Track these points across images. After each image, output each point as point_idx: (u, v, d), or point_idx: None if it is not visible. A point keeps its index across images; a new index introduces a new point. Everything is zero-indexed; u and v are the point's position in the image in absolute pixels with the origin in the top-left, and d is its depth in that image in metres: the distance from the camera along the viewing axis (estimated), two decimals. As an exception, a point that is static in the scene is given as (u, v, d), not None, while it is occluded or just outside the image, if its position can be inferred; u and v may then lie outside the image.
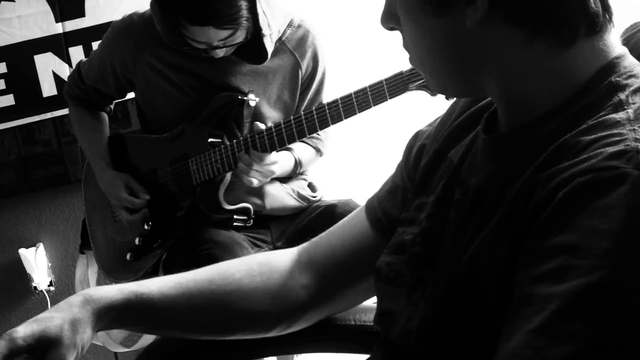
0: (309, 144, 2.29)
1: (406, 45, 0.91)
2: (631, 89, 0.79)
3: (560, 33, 0.80)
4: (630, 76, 0.81)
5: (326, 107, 1.98)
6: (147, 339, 2.56)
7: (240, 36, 1.99)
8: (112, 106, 2.44)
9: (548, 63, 0.82)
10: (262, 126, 2.04)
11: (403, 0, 0.87)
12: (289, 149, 2.21)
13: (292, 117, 2.02)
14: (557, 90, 0.82)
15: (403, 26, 0.89)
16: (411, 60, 0.93)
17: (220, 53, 2.03)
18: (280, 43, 2.17)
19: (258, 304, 1.16)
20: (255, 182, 2.08)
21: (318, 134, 2.29)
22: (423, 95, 1.85)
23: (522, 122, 0.85)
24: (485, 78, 0.86)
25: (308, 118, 1.99)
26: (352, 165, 2.88)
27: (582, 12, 0.79)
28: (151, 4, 2.03)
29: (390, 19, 0.91)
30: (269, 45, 2.05)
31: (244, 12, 1.92)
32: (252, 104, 2.12)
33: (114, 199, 2.26)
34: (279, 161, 2.11)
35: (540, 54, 0.82)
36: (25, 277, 2.93)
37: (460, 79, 0.89)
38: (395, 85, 1.88)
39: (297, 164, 2.23)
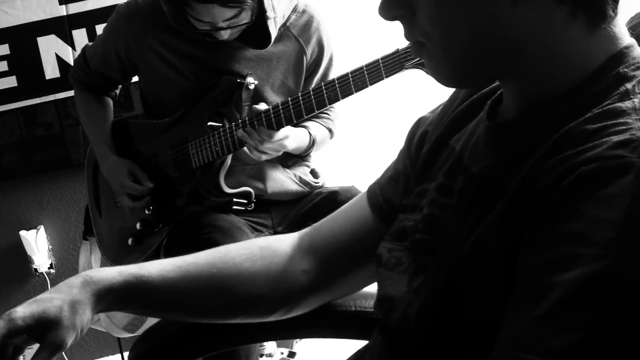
0: (322, 125, 2.29)
1: (426, 33, 0.83)
2: (638, 79, 0.79)
3: (596, 12, 0.79)
4: (638, 67, 0.80)
5: (323, 87, 1.97)
6: (150, 324, 2.57)
7: (245, 18, 1.98)
8: (117, 91, 2.43)
9: (580, 45, 0.81)
10: (261, 107, 2.03)
11: None
12: (305, 127, 2.20)
13: (289, 98, 2.01)
14: (574, 75, 0.81)
15: (430, 11, 0.82)
16: (430, 48, 0.85)
17: (225, 35, 2.02)
18: (285, 29, 2.16)
19: (258, 288, 1.16)
20: (264, 157, 2.07)
21: (329, 115, 2.28)
22: (425, 81, 1.85)
23: (533, 107, 0.84)
24: (516, 60, 0.82)
25: (305, 99, 1.98)
26: (354, 152, 2.88)
27: None
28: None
29: (400, 6, 0.84)
30: (273, 30, 2.04)
31: None
32: (251, 87, 2.11)
33: (117, 185, 2.25)
34: (293, 135, 2.10)
35: (578, 35, 0.80)
36: (26, 259, 2.94)
37: (487, 63, 0.84)
38: (391, 64, 1.88)
39: (312, 141, 2.22)
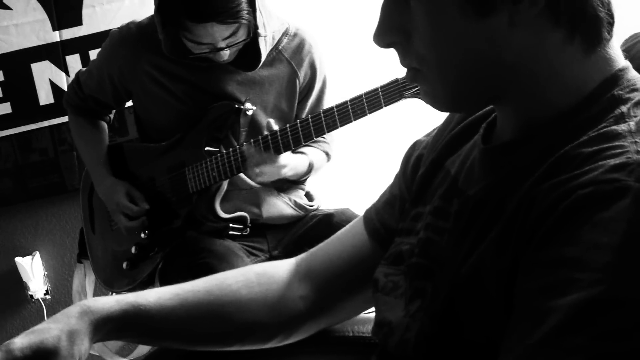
0: (319, 149, 2.29)
1: (421, 58, 0.83)
2: (633, 101, 0.79)
3: (592, 35, 0.80)
4: (633, 90, 0.80)
5: (322, 114, 1.97)
6: (143, 349, 2.56)
7: (242, 35, 1.99)
8: (111, 115, 2.44)
9: (575, 68, 0.81)
10: (275, 126, 2.03)
11: (432, 4, 0.80)
12: (303, 152, 2.20)
13: (287, 125, 2.02)
14: (569, 98, 0.81)
15: (426, 34, 0.81)
16: (425, 73, 0.85)
17: (225, 56, 2.03)
18: (277, 52, 2.17)
19: (256, 315, 1.16)
20: (260, 179, 2.07)
21: (325, 138, 2.28)
22: (421, 104, 1.85)
23: (528, 130, 0.84)
24: (512, 84, 0.82)
25: (304, 126, 1.99)
26: (349, 174, 2.88)
27: (606, 13, 0.79)
28: (154, 13, 2.03)
29: (393, 33, 0.84)
30: (263, 48, 2.05)
31: (244, 6, 1.92)
32: (249, 112, 2.12)
33: (114, 204, 2.25)
34: (291, 164, 2.10)
35: (573, 58, 0.80)
36: (22, 286, 2.93)
37: (483, 86, 0.84)
38: (390, 93, 1.88)
39: (310, 167, 2.23)
